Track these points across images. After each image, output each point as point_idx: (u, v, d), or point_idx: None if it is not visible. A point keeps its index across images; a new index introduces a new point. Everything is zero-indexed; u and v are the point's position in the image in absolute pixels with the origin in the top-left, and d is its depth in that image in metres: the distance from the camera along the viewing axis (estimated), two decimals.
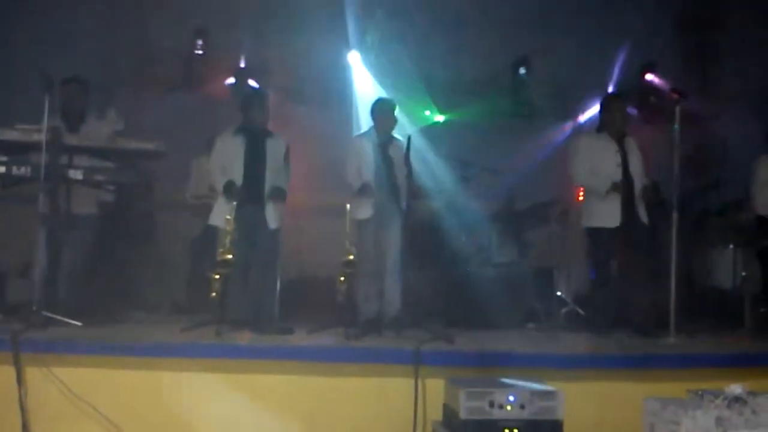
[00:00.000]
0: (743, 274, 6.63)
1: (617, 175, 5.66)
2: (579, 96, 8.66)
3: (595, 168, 5.73)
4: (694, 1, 8.12)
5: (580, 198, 6.32)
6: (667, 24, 7.87)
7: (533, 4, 7.83)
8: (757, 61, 7.73)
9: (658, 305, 5.47)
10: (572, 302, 6.91)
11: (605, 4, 7.68)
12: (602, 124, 5.95)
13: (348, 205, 5.35)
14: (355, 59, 8.10)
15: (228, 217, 5.11)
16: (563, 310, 6.89)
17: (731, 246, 6.70)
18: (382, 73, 7.96)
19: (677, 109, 5.28)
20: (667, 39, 7.95)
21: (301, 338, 4.99)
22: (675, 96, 5.32)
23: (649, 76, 8.34)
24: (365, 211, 5.62)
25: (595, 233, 5.81)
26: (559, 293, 7.09)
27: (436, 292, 6.59)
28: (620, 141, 5.76)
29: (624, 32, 7.90)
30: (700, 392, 3.87)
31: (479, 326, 5.84)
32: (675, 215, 5.33)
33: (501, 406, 3.88)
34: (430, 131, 8.20)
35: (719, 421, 3.64)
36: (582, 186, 6.09)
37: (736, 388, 3.83)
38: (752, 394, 3.82)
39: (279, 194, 5.49)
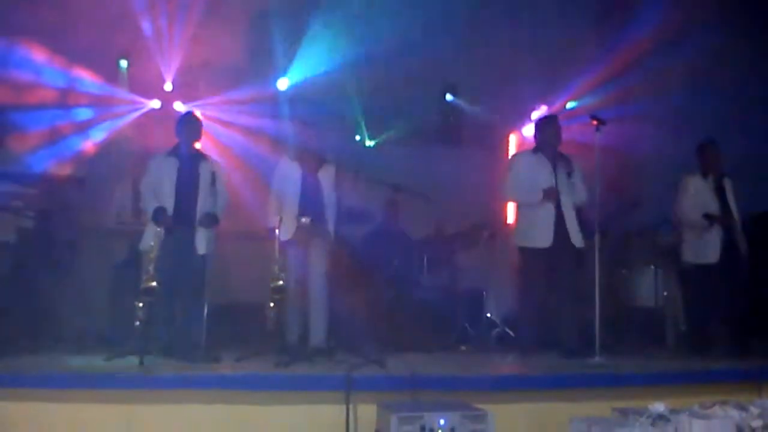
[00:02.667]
0: (665, 293, 6.85)
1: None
2: (505, 121, 8.84)
3: (530, 184, 5.81)
4: (605, 24, 8.40)
5: (509, 220, 6.44)
6: (585, 52, 8.13)
7: (461, 34, 7.97)
8: (671, 81, 8.06)
9: (584, 325, 5.59)
10: (502, 324, 6.99)
11: (528, 32, 7.89)
12: (538, 144, 6.05)
13: (276, 230, 5.27)
14: (283, 84, 8.07)
15: (151, 243, 4.98)
16: (494, 332, 6.97)
17: (652, 266, 6.91)
18: (311, 97, 7.93)
19: (596, 135, 5.45)
20: (584, 63, 8.19)
21: (228, 366, 4.88)
22: (594, 123, 5.47)
23: (570, 104, 8.58)
24: (286, 233, 5.52)
25: (526, 253, 5.88)
26: (489, 315, 7.18)
27: (367, 316, 6.56)
28: (555, 161, 5.88)
29: (546, 59, 8.11)
30: (624, 411, 3.96)
31: (411, 349, 5.85)
32: (597, 236, 5.46)
33: (432, 430, 3.87)
34: (361, 154, 8.23)
35: None
36: (515, 201, 6.16)
37: (659, 407, 3.93)
38: (674, 411, 3.93)
39: (210, 219, 5.40)
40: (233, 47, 7.35)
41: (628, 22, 8.48)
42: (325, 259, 5.61)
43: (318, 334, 5.51)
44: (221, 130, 7.52)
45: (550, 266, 5.74)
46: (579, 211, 5.94)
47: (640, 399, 4.33)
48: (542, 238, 5.71)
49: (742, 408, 4.04)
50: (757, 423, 3.90)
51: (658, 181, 7.65)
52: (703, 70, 8.02)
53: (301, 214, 5.50)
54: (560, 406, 4.48)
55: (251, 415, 4.34)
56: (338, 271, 5.82)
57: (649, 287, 6.83)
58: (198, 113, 5.79)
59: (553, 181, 5.79)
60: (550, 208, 5.74)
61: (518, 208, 6.19)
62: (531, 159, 5.98)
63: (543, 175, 5.82)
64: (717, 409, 4.00)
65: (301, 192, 5.60)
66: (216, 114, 7.58)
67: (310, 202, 5.60)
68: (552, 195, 5.72)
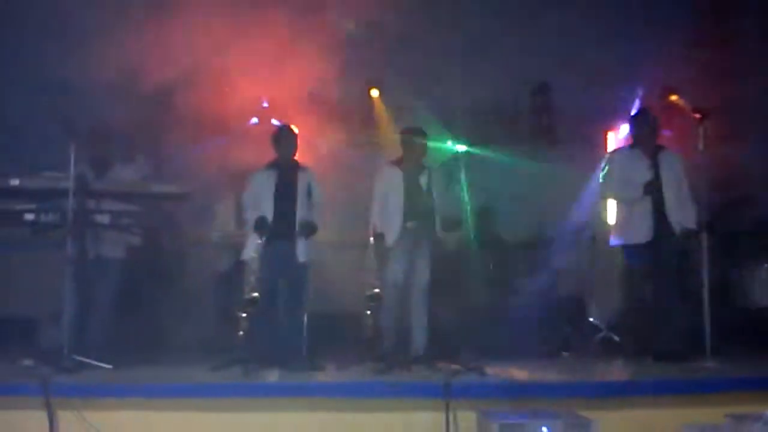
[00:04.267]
0: None
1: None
2: (601, 121, 8.60)
3: (627, 180, 5.69)
4: (704, 20, 8.06)
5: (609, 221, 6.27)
6: (680, 45, 7.81)
7: (551, 31, 7.82)
8: None
9: (693, 327, 5.35)
10: (606, 329, 6.79)
11: (620, 30, 7.66)
12: (635, 140, 5.91)
13: (371, 238, 5.33)
14: (375, 94, 8.16)
15: (254, 254, 5.14)
16: (597, 337, 6.78)
17: (766, 264, 6.55)
18: (402, 105, 7.98)
19: (701, 128, 5.22)
20: (683, 60, 7.87)
21: (329, 374, 4.95)
22: (697, 115, 5.26)
23: (672, 97, 8.25)
24: (390, 238, 5.58)
25: (627, 250, 5.75)
26: (592, 320, 6.99)
27: (466, 323, 6.52)
28: (654, 156, 5.72)
29: (640, 56, 7.84)
30: (739, 417, 3.77)
31: (512, 357, 5.75)
32: (704, 235, 5.23)
33: None
34: (455, 161, 8.19)
35: None
36: (612, 198, 6.01)
37: None
38: None
39: (309, 228, 5.51)
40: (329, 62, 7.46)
41: (732, 12, 8.14)
42: (429, 265, 5.63)
43: (419, 341, 5.53)
44: (318, 142, 7.65)
45: (653, 262, 5.56)
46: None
47: (755, 404, 4.12)
48: (642, 233, 5.58)
49: None
50: None
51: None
52: None
53: (406, 218, 5.58)
54: (669, 413, 4.30)
55: (352, 423, 4.38)
56: (438, 276, 5.81)
57: (764, 286, 6.48)
58: (293, 126, 5.91)
59: (652, 175, 5.62)
60: (648, 203, 5.59)
61: (617, 206, 6.01)
62: (627, 155, 5.85)
63: (640, 170, 5.67)
64: None
65: (405, 196, 5.66)
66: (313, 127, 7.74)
67: (414, 206, 5.64)
68: (652, 189, 5.56)
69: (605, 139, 8.84)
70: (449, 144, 8.61)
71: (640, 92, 8.21)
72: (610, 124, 8.95)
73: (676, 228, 5.58)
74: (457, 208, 7.27)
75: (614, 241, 5.88)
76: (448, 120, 8.50)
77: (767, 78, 7.66)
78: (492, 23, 7.78)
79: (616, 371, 5.47)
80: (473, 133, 8.69)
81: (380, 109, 8.15)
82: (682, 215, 5.61)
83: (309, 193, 5.51)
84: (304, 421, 4.40)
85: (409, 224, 5.58)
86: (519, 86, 8.54)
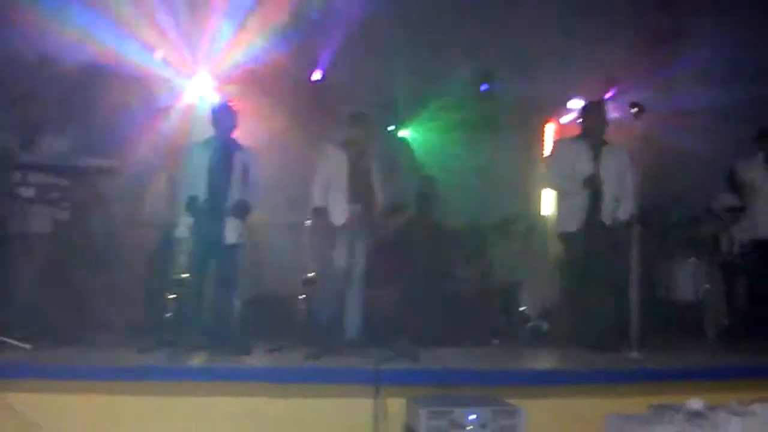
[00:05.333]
0: (706, 286, 6.68)
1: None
2: (542, 111, 8.68)
3: (570, 172, 5.76)
4: (655, 15, 8.19)
5: (545, 211, 6.35)
6: (628, 39, 7.92)
7: (497, 19, 7.83)
8: (721, 72, 7.83)
9: (621, 318, 5.47)
10: (536, 317, 6.89)
11: (567, 20, 7.71)
12: (583, 131, 5.96)
13: (308, 221, 5.26)
14: (317, 76, 8.05)
15: (185, 234, 5.02)
16: (528, 326, 6.87)
17: (692, 258, 6.74)
18: (346, 87, 7.89)
19: (637, 122, 5.30)
20: (627, 54, 7.99)
21: (259, 358, 4.88)
22: (634, 110, 5.32)
23: (610, 91, 8.39)
24: (339, 218, 5.50)
25: (563, 238, 5.88)
26: (523, 308, 7.08)
27: (400, 309, 6.52)
28: (598, 149, 5.79)
29: (586, 47, 7.93)
30: (661, 407, 3.86)
31: (444, 343, 5.78)
32: (636, 228, 5.33)
33: (462, 426, 3.82)
34: (394, 145, 8.17)
35: None
36: (555, 189, 6.08)
37: (696, 403, 3.83)
38: (711, 408, 3.82)
39: (242, 208, 5.39)
40: (270, 42, 7.31)
41: (674, 10, 8.28)
42: (366, 250, 5.60)
43: (352, 327, 5.50)
44: (259, 121, 7.50)
45: (585, 251, 5.68)
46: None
47: (677, 395, 4.23)
48: (576, 221, 5.69)
49: None
50: None
51: (699, 173, 7.47)
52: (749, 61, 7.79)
53: (351, 202, 5.51)
54: (594, 402, 4.39)
55: (280, 408, 4.33)
56: (374, 262, 5.79)
57: (689, 280, 6.67)
58: (233, 104, 5.76)
59: (593, 168, 5.70)
60: (585, 195, 5.68)
61: (557, 195, 6.12)
62: (572, 146, 5.91)
63: (583, 162, 5.74)
64: (756, 407, 3.88)
65: (349, 180, 5.59)
66: (254, 106, 7.58)
67: (358, 189, 5.59)
68: (592, 184, 5.65)
69: (543, 130, 8.95)
70: (392, 129, 8.60)
71: (582, 84, 8.31)
72: (550, 115, 9.07)
73: (608, 220, 5.70)
74: (398, 193, 7.29)
75: (555, 228, 6.02)
76: (392, 105, 8.48)
77: (703, 75, 7.87)
78: (440, 12, 7.75)
79: (545, 360, 5.56)
80: (416, 119, 8.70)
81: (325, 91, 8.03)
82: (620, 208, 5.72)
83: (245, 173, 5.38)
84: (232, 406, 4.33)
85: (354, 208, 5.52)
86: (463, 74, 8.53)
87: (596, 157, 5.74)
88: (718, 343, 6.29)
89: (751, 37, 7.53)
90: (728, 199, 6.36)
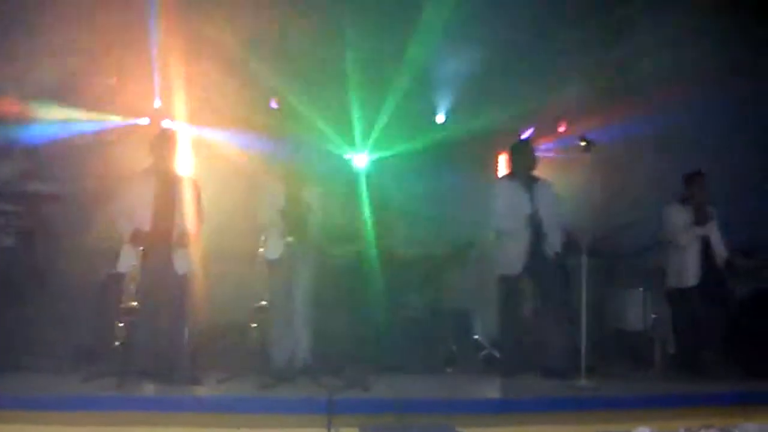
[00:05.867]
0: (653, 316, 6.80)
1: (525, 217, 5.86)
2: (497, 142, 8.82)
3: (512, 213, 5.89)
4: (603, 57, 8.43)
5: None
6: (580, 73, 8.13)
7: (454, 52, 7.96)
8: (671, 108, 8.07)
9: (571, 347, 5.53)
10: (490, 346, 6.91)
11: (519, 56, 7.88)
12: (513, 170, 6.20)
13: (261, 249, 5.23)
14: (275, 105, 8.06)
15: (132, 263, 4.93)
16: (481, 354, 6.89)
17: (641, 289, 6.86)
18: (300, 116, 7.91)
19: (586, 156, 5.42)
20: (575, 89, 8.19)
21: (210, 388, 4.80)
22: (583, 143, 5.45)
23: (562, 125, 8.57)
24: (274, 252, 5.51)
25: (506, 279, 5.96)
26: (476, 336, 7.11)
27: (353, 337, 6.49)
28: (530, 186, 5.97)
29: (538, 81, 8.10)
30: None
31: (398, 371, 5.77)
32: (585, 258, 5.43)
33: None
34: (348, 173, 8.19)
35: None
36: (501, 231, 6.13)
37: (643, 431, 3.89)
38: None
39: (187, 239, 5.34)
40: (223, 66, 7.30)
41: (621, 48, 8.52)
42: (311, 279, 5.57)
43: (302, 356, 5.46)
44: (206, 148, 7.44)
45: (530, 285, 5.87)
46: (566, 233, 5.96)
47: (626, 423, 4.30)
48: (519, 263, 5.83)
49: None
50: None
51: (649, 205, 7.64)
52: (698, 95, 8.04)
53: (287, 233, 5.49)
54: (545, 429, 4.43)
55: None
56: (324, 291, 5.76)
57: (638, 309, 6.78)
58: (175, 130, 5.70)
59: (532, 208, 5.88)
60: (527, 234, 5.83)
61: (498, 235, 6.17)
62: (508, 186, 6.09)
63: (522, 202, 5.91)
64: None
65: (285, 212, 5.57)
66: (203, 132, 7.53)
67: (295, 222, 5.57)
68: (534, 221, 5.82)
69: (497, 162, 9.08)
70: (348, 157, 8.63)
71: (533, 118, 8.48)
72: (502, 149, 9.21)
73: (549, 253, 5.87)
74: (353, 222, 7.29)
75: (495, 270, 6.10)
76: (348, 134, 8.52)
77: (654, 110, 8.10)
78: (397, 43, 7.85)
79: (496, 388, 5.57)
80: (373, 148, 8.74)
81: (276, 119, 8.03)
82: (555, 240, 5.93)
83: (189, 202, 5.34)
84: None
85: (290, 239, 5.51)
86: (419, 105, 8.62)
87: (531, 194, 5.93)
88: (666, 372, 6.39)
89: (696, 73, 7.81)
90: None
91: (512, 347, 5.96)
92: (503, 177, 6.55)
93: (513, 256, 5.87)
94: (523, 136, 7.72)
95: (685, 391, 5.14)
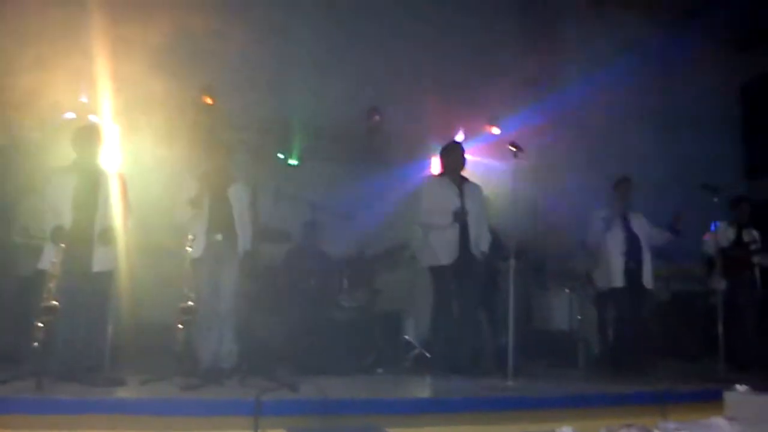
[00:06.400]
0: (578, 317, 6.98)
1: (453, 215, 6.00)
2: (428, 144, 8.90)
3: (440, 207, 6.04)
4: (532, 60, 8.60)
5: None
6: (509, 81, 8.28)
7: (385, 56, 8.00)
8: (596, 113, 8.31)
9: (499, 348, 5.63)
10: (420, 346, 6.97)
11: (453, 59, 7.99)
12: (444, 169, 6.36)
13: (188, 247, 5.14)
14: (208, 101, 7.92)
15: (53, 260, 4.78)
16: (411, 354, 6.94)
17: (567, 290, 7.04)
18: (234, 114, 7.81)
19: (515, 161, 5.52)
20: (509, 94, 8.34)
21: (133, 390, 4.69)
22: (513, 149, 5.55)
23: (494, 129, 8.71)
24: (198, 250, 5.43)
25: (434, 272, 6.06)
26: (407, 337, 7.16)
27: (283, 338, 6.45)
28: (460, 185, 6.15)
29: (470, 86, 8.22)
30: None
31: (327, 372, 5.75)
32: (513, 261, 5.52)
33: None
34: (282, 173, 8.14)
35: None
36: (427, 224, 6.20)
37: (566, 430, 3.97)
38: None
39: (110, 235, 5.21)
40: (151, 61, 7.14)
41: (554, 52, 8.72)
42: (237, 279, 5.51)
43: (229, 356, 5.40)
44: (134, 143, 7.27)
45: (458, 283, 5.95)
46: (495, 235, 6.08)
47: (549, 422, 4.37)
48: (447, 255, 5.94)
49: (646, 431, 4.12)
50: None
51: (577, 209, 7.83)
52: (626, 103, 8.30)
53: (212, 231, 5.43)
54: (472, 429, 4.47)
55: None
56: (253, 291, 5.70)
57: (564, 311, 6.96)
58: (100, 125, 5.57)
59: (460, 203, 6.04)
60: (455, 229, 5.98)
61: (425, 230, 6.26)
62: (438, 183, 6.26)
63: (450, 198, 6.06)
64: None
65: (209, 210, 5.50)
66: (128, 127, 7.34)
67: (218, 220, 5.51)
68: (461, 217, 5.97)
69: (430, 164, 9.17)
70: (280, 157, 8.57)
71: (464, 122, 8.60)
72: (435, 151, 9.30)
73: (476, 252, 6.04)
74: (283, 221, 7.24)
75: (422, 263, 6.22)
76: (280, 133, 8.45)
77: (583, 118, 8.31)
78: (335, 46, 7.86)
79: (425, 388, 5.62)
80: (304, 149, 8.70)
81: (207, 116, 7.90)
82: (482, 241, 6.11)
83: (113, 198, 5.21)
84: None
85: (218, 237, 5.47)
86: (353, 107, 8.63)
87: (461, 193, 6.11)
88: (589, 372, 6.57)
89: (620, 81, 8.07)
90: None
91: (442, 346, 6.02)
92: (433, 176, 6.67)
93: (440, 247, 6.01)
94: (456, 139, 7.78)
95: (606, 391, 5.27)
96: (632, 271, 6.40)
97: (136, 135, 7.02)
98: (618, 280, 6.38)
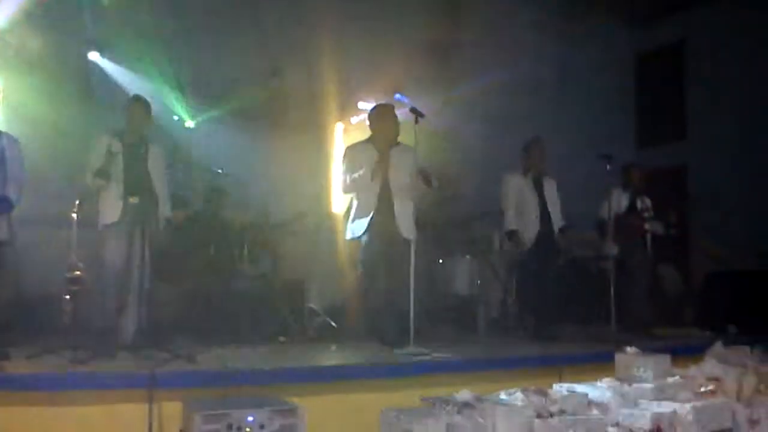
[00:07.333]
0: (478, 282, 7.11)
1: (376, 185, 5.65)
2: (333, 107, 8.80)
3: (356, 176, 5.68)
4: (435, 26, 8.61)
5: (334, 209, 6.37)
6: (413, 45, 8.26)
7: (290, 18, 7.81)
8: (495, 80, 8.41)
9: (401, 313, 5.63)
10: (324, 314, 6.93)
11: (356, 21, 7.88)
12: (372, 133, 5.92)
13: (74, 214, 4.87)
14: (95, 58, 7.54)
15: None
16: (315, 322, 6.89)
17: (468, 256, 7.15)
18: (126, 73, 7.47)
19: (415, 127, 5.47)
20: (415, 60, 8.32)
21: (18, 364, 4.44)
22: (414, 114, 5.48)
23: (397, 95, 8.68)
24: (111, 215, 5.19)
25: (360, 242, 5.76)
26: (311, 305, 7.10)
27: (180, 308, 6.27)
28: (386, 150, 5.75)
29: (375, 50, 8.14)
30: (432, 400, 4.01)
31: (228, 343, 5.63)
32: (407, 235, 5.52)
33: (240, 428, 3.71)
34: (181, 137, 7.88)
35: (450, 427, 3.78)
36: (351, 190, 5.88)
37: (465, 395, 4.02)
38: (480, 399, 4.03)
39: (3, 204, 4.89)
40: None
41: (459, 19, 8.75)
42: (150, 245, 5.26)
43: (130, 327, 5.19)
44: (25, 103, 6.84)
45: (382, 255, 5.65)
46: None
47: (449, 387, 4.40)
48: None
49: (543, 393, 4.23)
50: (554, 407, 4.09)
51: (477, 175, 7.95)
52: (532, 70, 8.43)
53: (126, 194, 5.20)
54: (372, 396, 4.46)
55: (42, 419, 3.96)
56: (155, 259, 5.48)
57: (464, 276, 7.06)
58: None
59: (382, 168, 5.66)
60: (374, 201, 5.65)
61: (351, 202, 5.96)
62: (360, 149, 5.84)
63: (369, 162, 5.67)
64: (519, 395, 4.15)
65: (124, 171, 5.26)
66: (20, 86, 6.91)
67: (135, 182, 5.27)
68: (379, 171, 5.62)
69: (333, 130, 9.09)
70: (177, 119, 8.28)
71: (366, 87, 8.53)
72: (340, 116, 9.23)
73: (405, 231, 5.64)
74: (182, 186, 7.01)
75: (347, 235, 5.90)
76: (179, 94, 8.17)
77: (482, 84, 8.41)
78: (234, 7, 7.60)
79: (326, 356, 5.59)
80: (204, 112, 8.45)
81: (102, 75, 7.54)
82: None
83: (3, 162, 4.88)
84: None
85: (132, 199, 5.20)
86: (255, 70, 8.42)
87: (383, 159, 5.69)
88: (489, 336, 6.72)
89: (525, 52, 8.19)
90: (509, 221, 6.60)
91: (351, 314, 5.96)
92: (357, 142, 6.11)
93: (363, 220, 5.68)
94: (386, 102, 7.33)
95: (505, 355, 5.39)
96: (545, 235, 6.44)
97: (18, 94, 6.59)
98: (529, 242, 6.41)
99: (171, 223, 5.69)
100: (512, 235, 6.52)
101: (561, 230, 6.64)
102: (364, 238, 5.70)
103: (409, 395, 4.41)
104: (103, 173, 5.13)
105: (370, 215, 5.66)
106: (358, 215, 5.76)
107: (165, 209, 5.55)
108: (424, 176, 5.58)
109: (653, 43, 10.65)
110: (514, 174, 6.61)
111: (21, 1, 6.25)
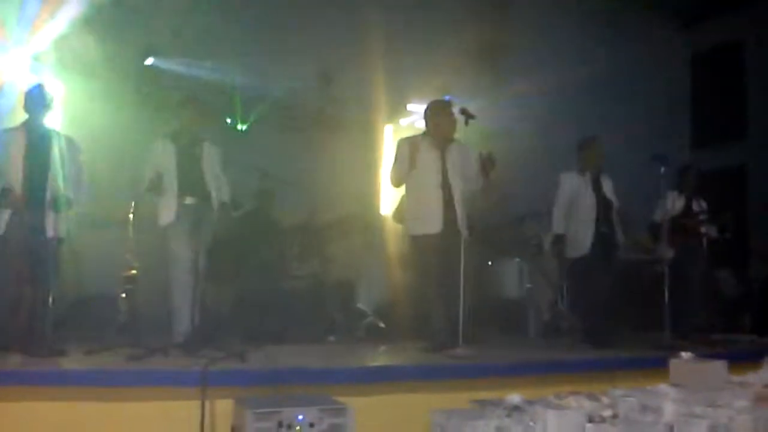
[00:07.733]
0: (528, 285, 7.04)
1: (437, 180, 5.52)
2: (382, 112, 8.82)
3: (415, 172, 5.55)
4: (484, 29, 8.56)
5: (383, 211, 6.35)
6: (461, 47, 8.23)
7: (339, 22, 7.86)
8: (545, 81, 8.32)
9: (454, 316, 5.59)
10: (372, 314, 6.96)
11: (405, 25, 7.89)
12: (427, 129, 5.76)
13: (130, 215, 5.00)
14: (152, 62, 7.70)
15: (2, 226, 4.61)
16: (363, 323, 6.93)
17: (517, 259, 7.08)
18: (182, 78, 7.62)
19: (465, 129, 5.43)
20: (463, 61, 8.29)
21: (76, 361, 4.56)
22: (464, 116, 5.44)
23: (446, 97, 8.63)
24: (167, 216, 5.30)
25: (419, 240, 5.60)
26: (359, 305, 7.13)
27: (233, 307, 6.37)
28: (444, 147, 5.62)
29: (424, 52, 8.14)
30: (482, 402, 3.99)
31: (278, 341, 5.70)
32: (465, 232, 5.48)
33: (290, 426, 3.75)
34: (231, 140, 7.98)
35: (499, 430, 3.74)
36: (401, 182, 5.72)
37: (515, 398, 3.98)
38: (530, 402, 3.99)
39: (63, 202, 5.01)
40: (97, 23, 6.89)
41: (508, 21, 8.69)
42: (208, 245, 5.37)
43: (185, 327, 5.27)
44: (84, 108, 7.04)
45: (441, 252, 5.47)
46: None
47: (499, 390, 4.37)
48: (432, 223, 5.47)
49: (595, 398, 4.16)
50: (607, 413, 4.02)
51: (528, 176, 7.86)
52: (583, 70, 8.32)
53: (181, 194, 5.29)
54: (421, 397, 4.46)
55: (99, 415, 4.06)
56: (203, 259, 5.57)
57: (514, 278, 7.00)
58: (47, 87, 5.35)
59: (440, 165, 5.54)
60: (439, 196, 5.51)
61: (408, 196, 5.78)
62: (416, 142, 5.66)
63: (431, 158, 5.55)
64: (570, 400, 4.10)
65: (178, 171, 5.35)
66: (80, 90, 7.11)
67: (189, 181, 5.36)
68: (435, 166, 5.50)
69: (383, 133, 9.10)
70: (229, 122, 8.40)
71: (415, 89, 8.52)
72: (390, 118, 9.25)
73: (462, 226, 5.55)
74: (234, 188, 7.10)
75: (408, 231, 5.74)
76: (229, 99, 8.29)
77: (532, 85, 8.33)
78: (280, 9, 7.68)
79: (376, 357, 5.60)
80: (255, 114, 8.56)
81: (155, 77, 7.70)
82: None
83: (65, 163, 5.02)
84: (44, 412, 4.01)
85: (188, 200, 5.31)
86: (305, 75, 8.50)
87: (442, 158, 5.57)
88: (539, 339, 6.64)
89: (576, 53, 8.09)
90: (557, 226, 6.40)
91: (397, 315, 5.94)
92: (412, 135, 5.96)
93: (424, 215, 5.52)
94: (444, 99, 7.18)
95: (556, 359, 5.33)
96: (604, 237, 6.24)
97: (79, 98, 6.77)
98: (588, 246, 6.17)
99: (231, 212, 5.70)
100: (558, 239, 6.34)
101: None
102: (426, 232, 5.51)
103: (457, 397, 4.39)
104: (154, 187, 5.25)
105: (436, 212, 5.49)
106: (420, 212, 5.59)
107: (225, 198, 5.56)
108: (485, 163, 5.45)
109: (709, 41, 10.41)
110: (570, 173, 6.41)
111: (80, 8, 6.41)
